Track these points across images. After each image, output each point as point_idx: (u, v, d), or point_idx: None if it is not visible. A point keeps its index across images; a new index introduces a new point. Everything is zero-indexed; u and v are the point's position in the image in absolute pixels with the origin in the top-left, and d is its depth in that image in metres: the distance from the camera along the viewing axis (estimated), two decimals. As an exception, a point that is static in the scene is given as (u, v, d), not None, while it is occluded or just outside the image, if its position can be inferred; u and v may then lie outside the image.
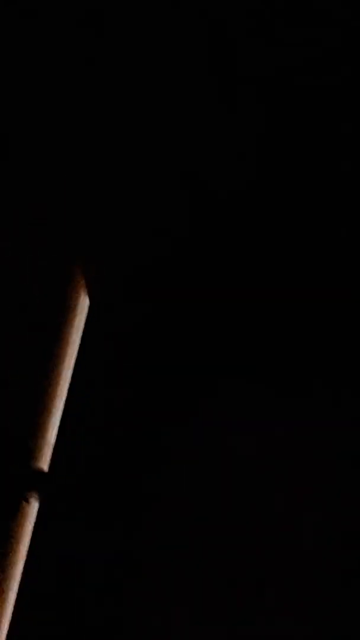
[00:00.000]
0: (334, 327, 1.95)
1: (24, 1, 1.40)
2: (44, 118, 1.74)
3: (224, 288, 2.05)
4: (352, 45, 1.35)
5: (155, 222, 1.96)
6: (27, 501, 1.69)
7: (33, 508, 1.69)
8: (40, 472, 1.74)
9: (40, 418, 1.80)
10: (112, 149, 1.76)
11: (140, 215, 1.93)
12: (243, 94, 1.51)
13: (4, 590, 1.59)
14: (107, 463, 1.71)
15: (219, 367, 1.90)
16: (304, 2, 1.30)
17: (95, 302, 2.00)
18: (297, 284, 1.99)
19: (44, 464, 1.75)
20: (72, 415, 1.79)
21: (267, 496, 1.65)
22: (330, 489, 1.63)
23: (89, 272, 2.03)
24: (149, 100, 1.60)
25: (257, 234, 1.90)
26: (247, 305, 2.03)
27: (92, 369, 1.86)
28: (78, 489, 1.67)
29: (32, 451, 1.76)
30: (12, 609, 1.54)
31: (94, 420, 1.77)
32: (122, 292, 2.00)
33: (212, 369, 1.89)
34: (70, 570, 1.55)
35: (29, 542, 1.63)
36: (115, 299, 2.00)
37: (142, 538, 1.60)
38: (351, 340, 1.91)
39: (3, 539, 1.64)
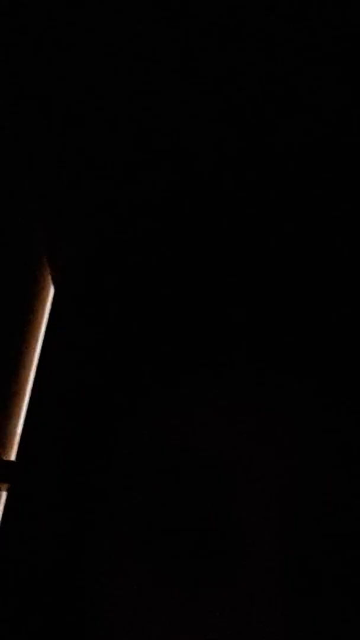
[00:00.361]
0: (311, 318, 1.94)
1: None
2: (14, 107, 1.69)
3: (191, 277, 2.05)
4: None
5: (121, 210, 1.94)
6: (-4, 491, 1.72)
7: (1, 497, 1.72)
8: (8, 462, 1.76)
9: (6, 409, 1.81)
10: (78, 143, 1.73)
11: (104, 203, 1.91)
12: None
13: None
14: (74, 452, 1.72)
15: (183, 358, 1.91)
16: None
17: (60, 292, 1.99)
18: (265, 276, 1.98)
19: (12, 454, 1.77)
20: (39, 405, 1.80)
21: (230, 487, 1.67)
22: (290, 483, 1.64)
23: (55, 262, 2.01)
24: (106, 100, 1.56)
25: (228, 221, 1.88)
26: (210, 296, 2.02)
27: (57, 359, 1.87)
28: (45, 478, 1.69)
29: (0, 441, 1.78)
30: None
31: (61, 409, 1.77)
32: (87, 281, 2.00)
33: (176, 360, 1.90)
34: (38, 557, 1.59)
35: (-1, 531, 1.66)
36: (80, 289, 1.99)
37: (109, 528, 1.63)
38: (318, 334, 1.90)
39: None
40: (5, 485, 1.72)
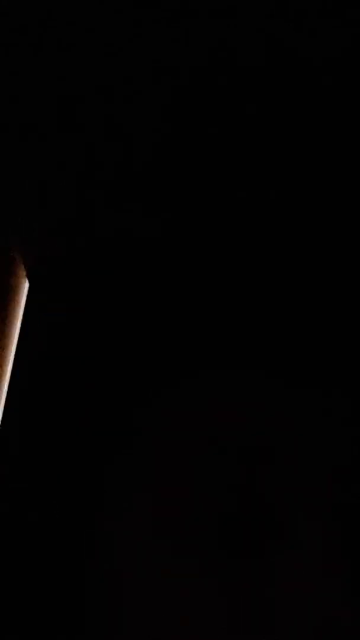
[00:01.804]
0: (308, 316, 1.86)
1: None
2: None
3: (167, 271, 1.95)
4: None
5: (99, 202, 1.83)
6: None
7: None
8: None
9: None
10: (50, 134, 1.63)
11: (80, 195, 1.81)
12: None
13: None
14: (50, 445, 1.62)
15: (152, 355, 1.80)
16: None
17: (35, 285, 1.90)
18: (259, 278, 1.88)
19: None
20: (15, 396, 1.71)
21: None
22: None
23: (28, 256, 1.92)
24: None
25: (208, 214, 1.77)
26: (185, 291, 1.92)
27: (33, 356, 1.78)
28: (24, 470, 1.57)
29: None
30: None
31: (37, 400, 1.69)
32: (61, 275, 1.91)
33: (146, 357, 1.80)
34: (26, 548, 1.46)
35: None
36: (54, 282, 1.90)
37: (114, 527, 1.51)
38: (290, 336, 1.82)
39: None
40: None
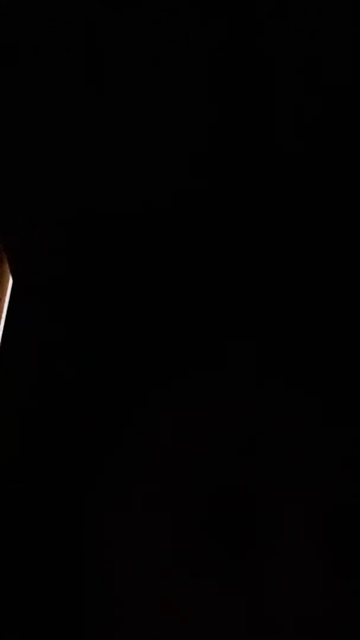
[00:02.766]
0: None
1: None
2: None
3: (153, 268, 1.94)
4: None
5: (84, 197, 1.81)
6: None
7: None
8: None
9: None
10: (32, 134, 1.60)
11: (65, 192, 1.78)
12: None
13: None
14: (48, 445, 1.60)
15: (150, 349, 1.80)
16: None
17: (19, 282, 1.87)
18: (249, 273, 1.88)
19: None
20: (14, 398, 1.69)
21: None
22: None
23: (12, 253, 1.89)
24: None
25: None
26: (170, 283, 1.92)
27: (18, 356, 1.75)
28: (21, 471, 1.55)
29: None
30: None
31: (22, 400, 1.67)
32: (48, 273, 1.88)
33: (145, 353, 1.79)
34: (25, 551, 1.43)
35: None
36: (40, 280, 1.88)
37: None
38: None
39: None
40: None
